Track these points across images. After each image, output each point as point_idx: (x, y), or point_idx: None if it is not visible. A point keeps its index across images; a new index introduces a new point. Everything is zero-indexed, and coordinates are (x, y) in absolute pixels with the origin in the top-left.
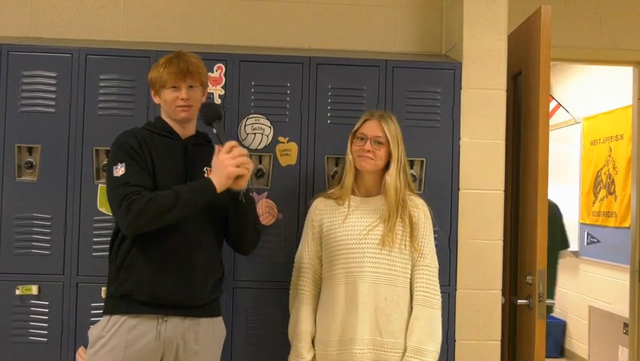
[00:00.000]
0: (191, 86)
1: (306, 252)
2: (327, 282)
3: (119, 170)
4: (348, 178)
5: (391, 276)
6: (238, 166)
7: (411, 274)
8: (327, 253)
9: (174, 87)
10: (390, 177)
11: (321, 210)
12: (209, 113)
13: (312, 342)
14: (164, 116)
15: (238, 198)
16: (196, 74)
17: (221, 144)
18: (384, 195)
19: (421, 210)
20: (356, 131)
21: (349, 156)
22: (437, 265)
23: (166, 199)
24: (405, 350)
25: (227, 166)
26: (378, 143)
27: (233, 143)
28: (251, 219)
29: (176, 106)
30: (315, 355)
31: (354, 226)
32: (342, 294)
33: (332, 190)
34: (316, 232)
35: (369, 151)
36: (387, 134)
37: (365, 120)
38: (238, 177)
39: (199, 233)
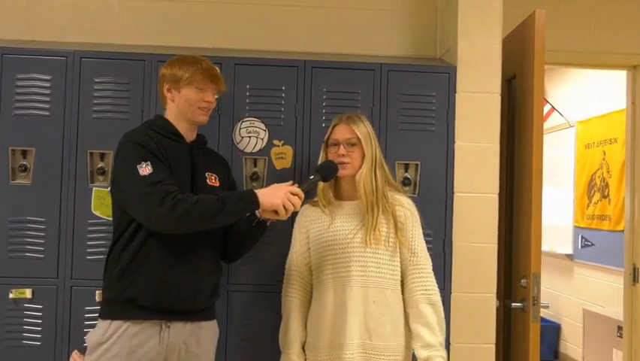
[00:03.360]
0: (214, 92)
1: (294, 259)
2: (317, 288)
3: (146, 168)
4: (325, 185)
5: (379, 278)
6: (284, 205)
7: (404, 276)
8: (316, 260)
9: (200, 88)
10: (361, 175)
11: (307, 218)
12: (329, 171)
13: (303, 348)
14: (168, 116)
15: (251, 218)
16: (221, 80)
17: (300, 185)
18: (359, 195)
19: (407, 209)
20: (328, 138)
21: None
22: (430, 262)
23: (212, 205)
24: (396, 351)
25: (278, 197)
26: (351, 144)
27: (301, 193)
28: (255, 243)
29: (198, 107)
30: (305, 360)
31: (340, 231)
32: (331, 299)
33: (317, 198)
34: (303, 238)
35: (343, 155)
36: (358, 134)
37: (334, 126)
38: (274, 210)
39: (205, 239)
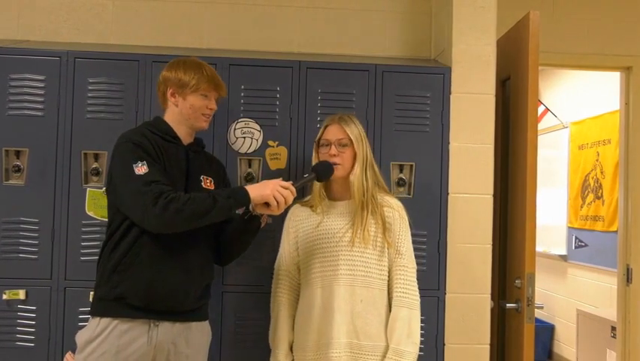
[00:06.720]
0: (215, 98)
1: (283, 259)
2: (305, 287)
3: (142, 168)
4: (320, 185)
5: (367, 278)
6: (275, 197)
7: (389, 275)
8: (304, 259)
9: (204, 95)
10: (354, 176)
11: (296, 217)
12: (325, 171)
13: (292, 348)
14: (168, 119)
15: (244, 213)
16: (224, 87)
17: (294, 182)
18: (351, 195)
19: (395, 211)
20: (319, 139)
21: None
22: (415, 265)
23: (204, 202)
24: (384, 352)
25: (267, 188)
26: (342, 145)
27: (292, 187)
28: (248, 241)
29: (201, 113)
30: (292, 360)
31: (328, 230)
32: (319, 298)
33: (307, 198)
34: (292, 238)
35: (335, 155)
36: (350, 135)
37: (326, 126)
38: (266, 203)
39: (197, 239)
